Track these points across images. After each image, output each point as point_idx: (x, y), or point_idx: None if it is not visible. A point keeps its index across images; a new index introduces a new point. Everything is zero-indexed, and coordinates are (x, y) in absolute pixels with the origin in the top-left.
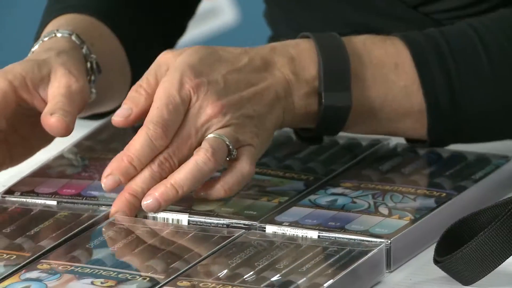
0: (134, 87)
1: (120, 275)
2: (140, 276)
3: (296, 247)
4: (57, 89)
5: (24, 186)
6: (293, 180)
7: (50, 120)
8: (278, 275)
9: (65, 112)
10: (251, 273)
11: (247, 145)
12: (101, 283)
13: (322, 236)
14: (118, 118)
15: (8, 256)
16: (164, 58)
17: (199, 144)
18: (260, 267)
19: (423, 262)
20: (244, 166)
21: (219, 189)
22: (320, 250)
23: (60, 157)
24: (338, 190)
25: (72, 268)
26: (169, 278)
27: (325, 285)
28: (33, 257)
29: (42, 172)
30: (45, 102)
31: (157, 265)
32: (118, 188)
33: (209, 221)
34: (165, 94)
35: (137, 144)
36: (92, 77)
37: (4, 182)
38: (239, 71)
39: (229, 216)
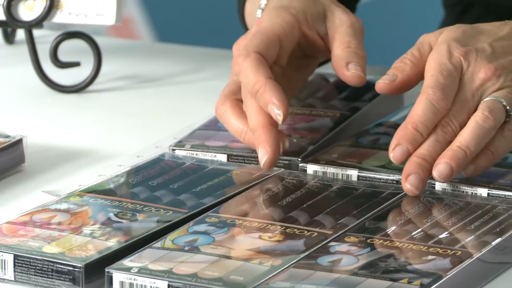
0: (398, 59)
1: (287, 230)
2: (308, 231)
3: (465, 204)
4: (344, 28)
5: (194, 139)
6: None
7: (346, 73)
8: (446, 232)
9: (358, 62)
10: (419, 230)
11: None
12: (269, 237)
13: (492, 193)
14: (383, 82)
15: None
16: (425, 37)
17: (476, 108)
18: (428, 224)
19: None
20: None
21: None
22: (489, 208)
23: None
24: None
25: (240, 221)
26: (336, 233)
27: (493, 243)
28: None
29: (213, 125)
30: (321, 39)
31: (325, 220)
32: None
33: (379, 176)
34: (437, 63)
35: (419, 110)
36: None
37: (175, 134)
38: (503, 39)
39: (399, 172)
